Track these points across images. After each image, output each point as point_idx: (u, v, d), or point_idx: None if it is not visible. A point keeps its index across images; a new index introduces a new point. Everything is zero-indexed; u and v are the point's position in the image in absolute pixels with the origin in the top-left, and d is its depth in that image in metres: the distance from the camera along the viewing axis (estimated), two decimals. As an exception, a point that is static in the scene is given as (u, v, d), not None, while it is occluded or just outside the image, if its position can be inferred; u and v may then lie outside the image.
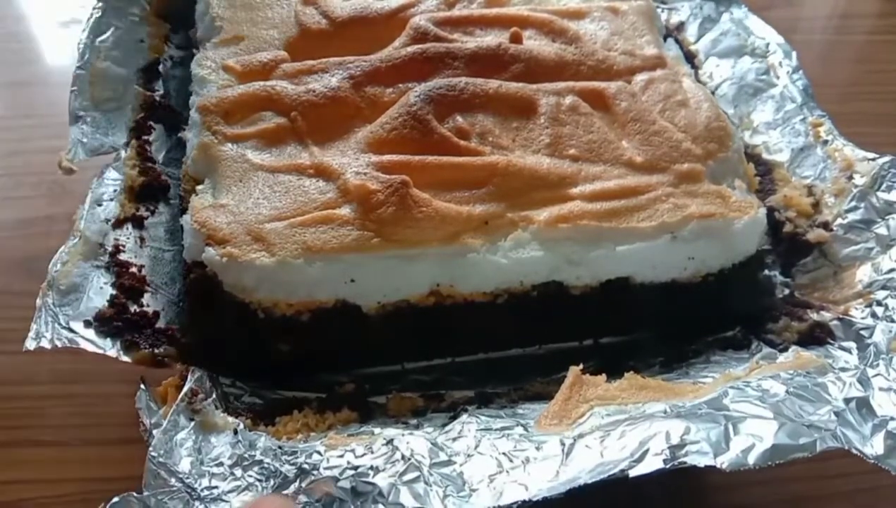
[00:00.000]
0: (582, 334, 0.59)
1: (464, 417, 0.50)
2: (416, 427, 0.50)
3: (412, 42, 0.63)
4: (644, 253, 0.54)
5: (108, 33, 0.73)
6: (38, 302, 0.52)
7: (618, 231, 0.54)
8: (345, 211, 0.52)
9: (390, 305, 0.53)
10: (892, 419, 0.46)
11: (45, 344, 0.50)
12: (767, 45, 0.74)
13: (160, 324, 0.54)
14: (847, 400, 0.47)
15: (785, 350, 0.55)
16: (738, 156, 0.60)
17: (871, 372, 0.50)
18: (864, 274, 0.58)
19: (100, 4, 0.72)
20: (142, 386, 0.48)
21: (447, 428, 0.48)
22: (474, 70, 0.61)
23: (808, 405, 0.46)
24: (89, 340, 0.51)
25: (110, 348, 0.52)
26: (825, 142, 0.66)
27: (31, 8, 0.93)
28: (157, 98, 0.70)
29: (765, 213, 0.57)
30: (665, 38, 0.69)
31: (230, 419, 0.47)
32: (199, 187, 0.55)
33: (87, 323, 0.52)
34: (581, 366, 0.49)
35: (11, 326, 0.65)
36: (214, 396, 0.50)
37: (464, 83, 0.59)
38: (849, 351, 0.55)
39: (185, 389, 0.48)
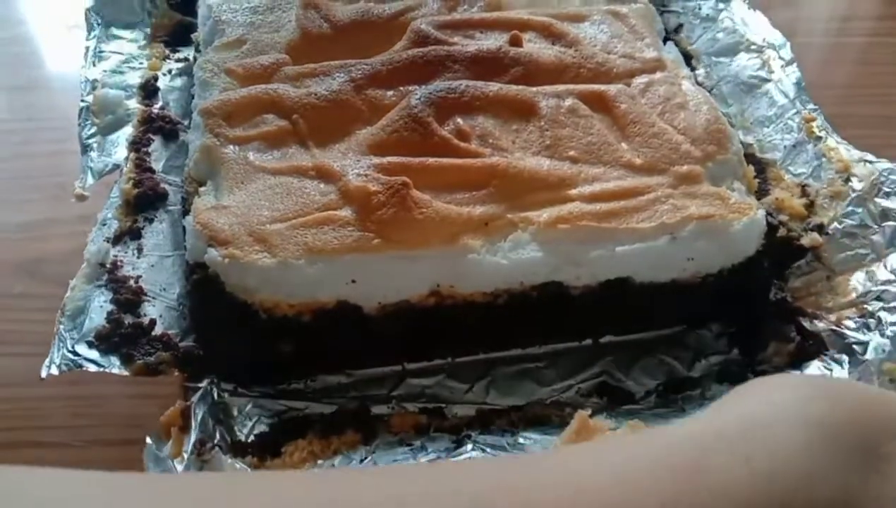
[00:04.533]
0: (582, 334, 0.59)
1: (468, 447, 0.51)
2: (421, 449, 0.51)
3: (413, 45, 0.63)
4: (643, 253, 0.55)
5: (109, 60, 0.75)
6: (55, 328, 0.54)
7: (617, 232, 0.54)
8: (346, 212, 0.53)
9: (391, 306, 0.54)
10: None
11: (55, 370, 0.52)
12: (763, 39, 0.74)
13: (157, 331, 0.55)
14: None
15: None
16: (738, 158, 0.60)
17: None
18: (857, 281, 0.58)
19: (95, 34, 0.75)
20: (148, 440, 0.49)
21: None
22: (475, 73, 0.62)
23: None
24: (92, 360, 0.53)
25: (110, 365, 0.53)
26: (818, 138, 0.66)
27: (33, 11, 0.94)
28: (156, 110, 0.71)
29: (764, 215, 0.57)
30: (665, 41, 0.70)
31: (238, 465, 0.48)
32: (201, 189, 0.56)
33: (90, 344, 0.53)
34: (589, 412, 0.50)
35: (12, 328, 0.65)
36: (218, 436, 0.51)
37: (464, 86, 0.59)
38: (840, 363, 0.55)
39: (193, 440, 0.48)
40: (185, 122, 0.68)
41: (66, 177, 0.76)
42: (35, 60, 0.89)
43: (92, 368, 0.53)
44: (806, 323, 0.57)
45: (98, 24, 0.77)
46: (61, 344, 0.53)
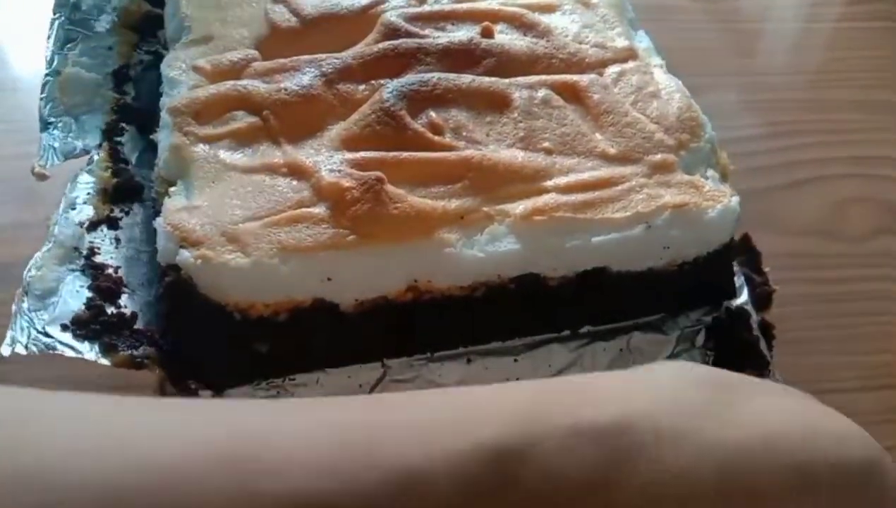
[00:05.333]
0: (560, 325, 0.59)
1: None
2: None
3: (383, 38, 0.62)
4: (619, 243, 0.55)
5: (76, 41, 0.73)
6: (14, 307, 0.51)
7: (593, 222, 0.54)
8: (319, 209, 0.52)
9: (368, 302, 0.53)
10: None
11: (21, 349, 0.49)
12: None
13: (139, 325, 0.54)
14: None
15: None
16: (711, 146, 0.60)
17: None
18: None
19: (60, 13, 0.73)
20: None
21: None
22: (447, 65, 0.61)
23: None
24: (66, 344, 0.51)
25: (88, 351, 0.51)
26: None
27: (-3, 12, 0.92)
28: (129, 100, 0.70)
29: (738, 201, 0.57)
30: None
31: None
32: (171, 189, 0.55)
33: (64, 327, 0.51)
34: None
35: (-17, 335, 0.64)
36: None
37: (436, 78, 0.59)
38: None
39: None
40: (158, 115, 0.67)
41: (35, 180, 0.75)
42: (0, 62, 0.88)
43: (68, 353, 0.50)
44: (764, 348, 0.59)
45: None
46: (27, 324, 0.50)
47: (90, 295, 0.54)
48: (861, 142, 0.85)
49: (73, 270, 0.55)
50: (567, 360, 0.59)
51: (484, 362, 0.58)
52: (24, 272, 0.54)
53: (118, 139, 0.66)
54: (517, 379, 0.57)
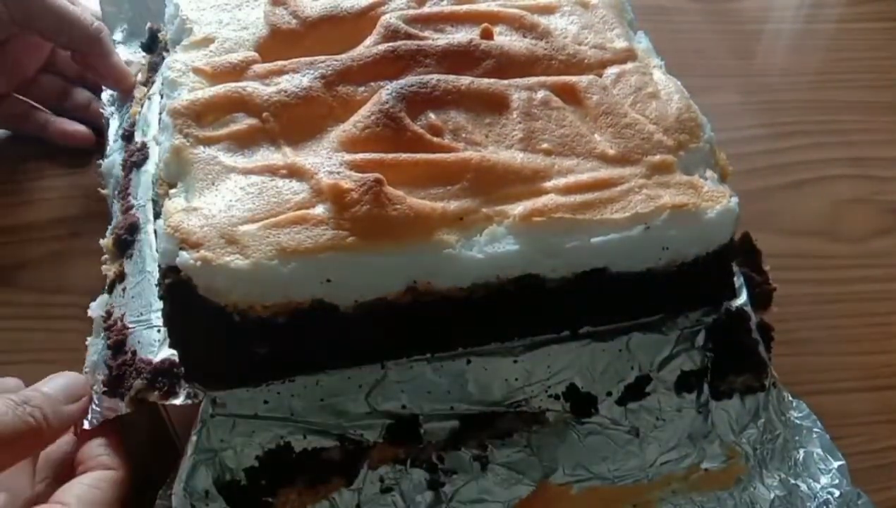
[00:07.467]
0: (559, 326, 0.59)
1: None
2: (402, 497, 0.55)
3: (383, 40, 0.63)
4: (619, 244, 0.55)
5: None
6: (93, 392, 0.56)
7: (592, 223, 0.54)
8: (319, 211, 0.52)
9: (367, 304, 0.53)
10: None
11: (87, 425, 0.55)
12: None
13: (138, 357, 0.57)
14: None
15: (729, 397, 0.60)
16: (710, 147, 0.60)
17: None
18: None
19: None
20: None
21: None
22: (446, 67, 0.61)
23: None
24: (109, 408, 0.55)
25: (123, 409, 0.55)
26: None
27: None
28: (130, 148, 0.71)
29: (737, 202, 0.57)
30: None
31: None
32: (171, 191, 0.55)
33: (104, 393, 0.56)
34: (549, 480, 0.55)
35: (-12, 337, 0.65)
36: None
37: (436, 80, 0.59)
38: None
39: None
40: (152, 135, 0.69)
41: (40, 181, 0.76)
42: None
43: (111, 415, 0.55)
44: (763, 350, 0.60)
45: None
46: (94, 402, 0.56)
47: (108, 352, 0.57)
48: (861, 143, 0.86)
49: (101, 337, 0.59)
50: (566, 361, 0.59)
51: (484, 362, 0.58)
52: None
53: (128, 191, 0.68)
54: (516, 379, 0.58)
